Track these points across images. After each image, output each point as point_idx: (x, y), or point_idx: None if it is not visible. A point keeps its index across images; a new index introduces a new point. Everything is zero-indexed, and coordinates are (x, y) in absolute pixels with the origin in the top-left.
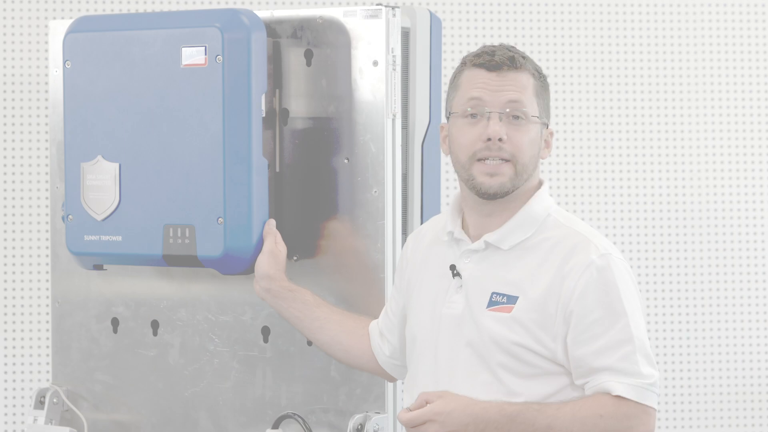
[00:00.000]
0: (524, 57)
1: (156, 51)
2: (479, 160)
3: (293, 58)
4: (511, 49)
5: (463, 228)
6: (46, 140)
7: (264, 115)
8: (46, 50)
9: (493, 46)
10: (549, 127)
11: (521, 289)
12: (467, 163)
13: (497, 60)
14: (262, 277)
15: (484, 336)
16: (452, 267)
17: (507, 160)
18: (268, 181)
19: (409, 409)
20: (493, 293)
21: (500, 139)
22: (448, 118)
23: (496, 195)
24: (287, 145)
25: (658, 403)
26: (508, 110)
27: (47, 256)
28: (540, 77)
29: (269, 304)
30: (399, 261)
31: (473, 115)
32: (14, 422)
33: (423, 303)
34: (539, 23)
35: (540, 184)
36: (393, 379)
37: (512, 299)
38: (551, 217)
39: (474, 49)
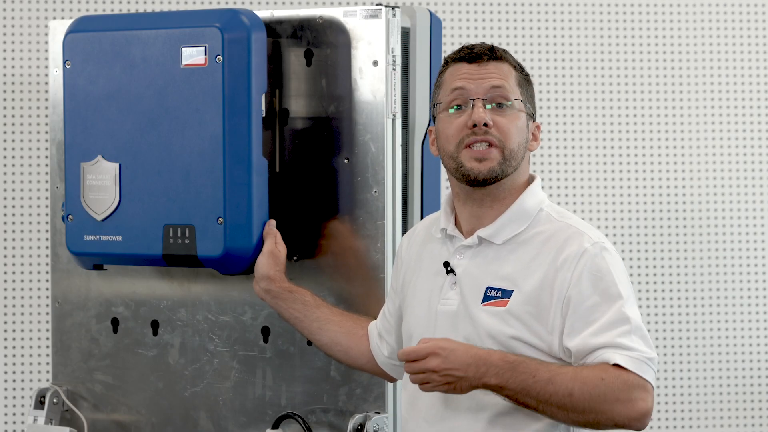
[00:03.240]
0: (504, 51)
1: (156, 51)
2: (467, 146)
3: (293, 58)
4: (490, 45)
5: (456, 225)
6: (46, 140)
7: (264, 115)
8: (46, 50)
9: (473, 43)
10: (536, 120)
11: (515, 282)
12: (455, 151)
13: (477, 51)
14: (262, 278)
15: (481, 331)
16: (446, 264)
17: (495, 146)
18: (268, 181)
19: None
20: (487, 288)
21: (486, 125)
22: (434, 118)
23: (486, 180)
24: (287, 145)
25: (658, 403)
26: (492, 95)
27: (47, 256)
28: (521, 70)
29: (269, 304)
30: (394, 261)
31: (458, 107)
32: (14, 422)
33: (419, 301)
34: (539, 23)
35: (532, 179)
36: (393, 380)
37: (507, 293)
38: (544, 212)
39: None
